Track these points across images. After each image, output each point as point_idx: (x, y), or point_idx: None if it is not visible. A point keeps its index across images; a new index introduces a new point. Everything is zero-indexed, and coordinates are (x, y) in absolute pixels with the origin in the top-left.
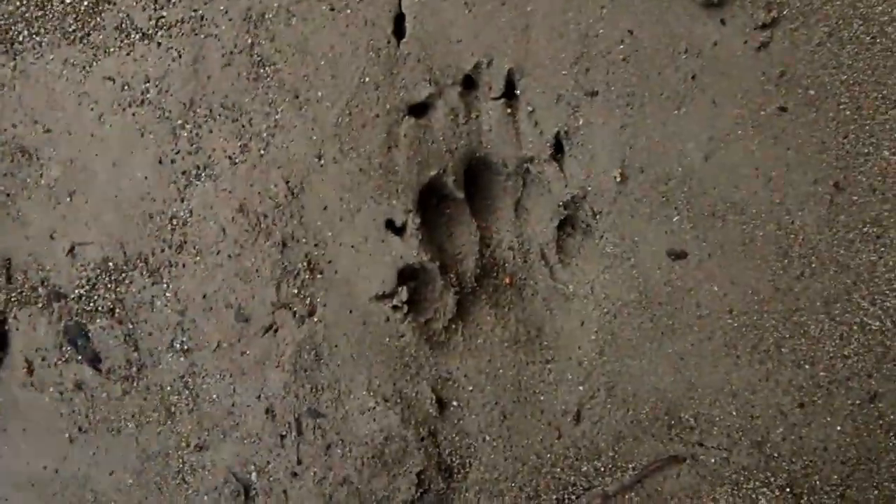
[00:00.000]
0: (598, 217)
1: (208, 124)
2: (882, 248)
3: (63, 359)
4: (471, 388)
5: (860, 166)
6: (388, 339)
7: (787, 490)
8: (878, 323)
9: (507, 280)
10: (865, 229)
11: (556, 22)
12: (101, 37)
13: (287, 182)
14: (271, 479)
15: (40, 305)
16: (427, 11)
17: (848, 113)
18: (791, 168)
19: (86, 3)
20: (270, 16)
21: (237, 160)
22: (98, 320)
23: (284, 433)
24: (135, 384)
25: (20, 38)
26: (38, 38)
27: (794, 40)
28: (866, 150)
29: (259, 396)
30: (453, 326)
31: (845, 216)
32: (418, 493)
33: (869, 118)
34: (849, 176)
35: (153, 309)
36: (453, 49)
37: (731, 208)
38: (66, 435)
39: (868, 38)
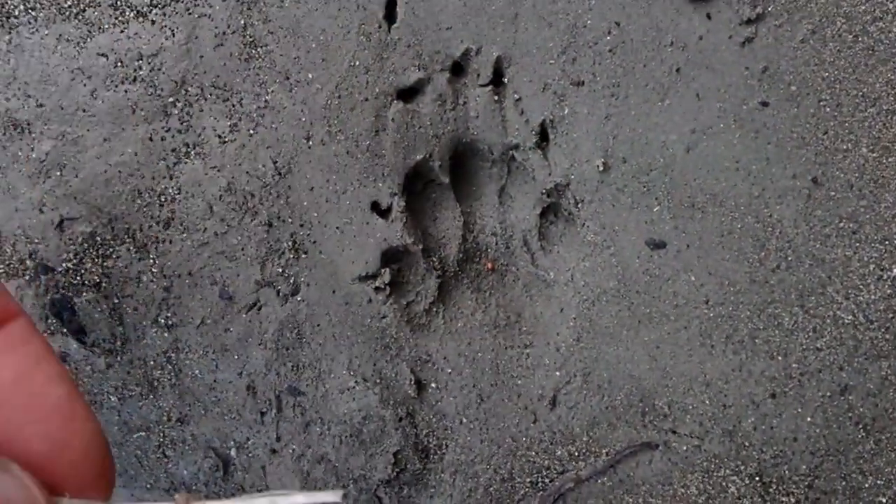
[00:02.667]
0: (580, 206)
1: (199, 103)
2: (857, 244)
3: (49, 331)
4: (449, 370)
5: (838, 162)
6: (369, 320)
7: (757, 479)
8: (850, 317)
9: (489, 265)
10: (841, 224)
11: (545, 11)
12: (95, 13)
13: (275, 162)
14: (250, 454)
15: (27, 278)
16: None
17: (828, 110)
18: (771, 162)
19: None
20: None
21: (227, 139)
22: (84, 294)
23: (265, 410)
24: (118, 358)
25: (16, 13)
26: (33, 14)
27: (778, 37)
28: (845, 147)
29: (241, 373)
30: (434, 309)
31: (822, 211)
32: (394, 473)
33: (848, 115)
34: (827, 171)
35: (139, 284)
36: (443, 35)
37: (710, 200)
38: None
39: (850, 36)
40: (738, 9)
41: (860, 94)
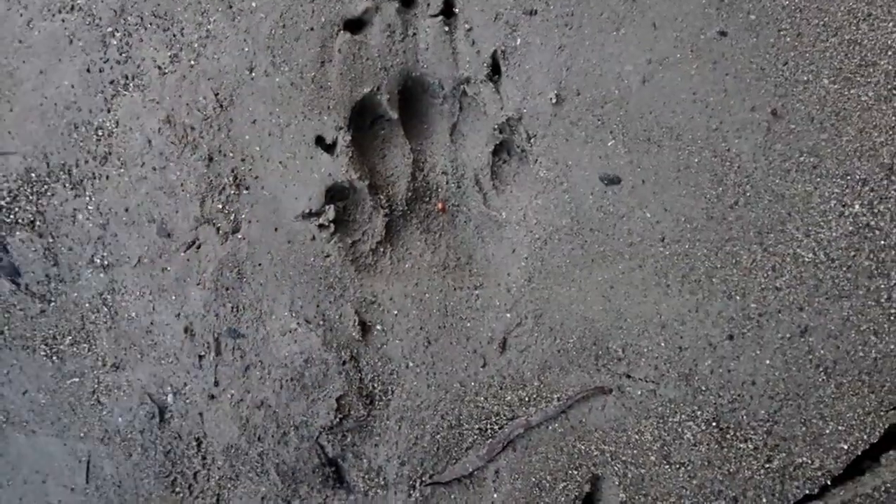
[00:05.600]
0: (532, 141)
1: (139, 33)
2: (818, 179)
3: None
4: (396, 312)
5: (799, 94)
6: (312, 259)
7: (714, 424)
8: (811, 255)
9: (440, 205)
10: (802, 159)
11: None
12: None
13: (216, 94)
14: (187, 400)
15: None
16: None
17: (788, 39)
18: (729, 94)
19: None
20: None
21: (167, 70)
22: (18, 233)
23: (203, 353)
24: (53, 301)
25: None
26: None
27: None
28: (805, 78)
29: (178, 315)
30: (381, 249)
31: (782, 145)
32: (338, 419)
33: (809, 45)
34: (787, 104)
35: (74, 222)
36: None
37: (666, 133)
38: None
39: None
40: None
41: (821, 23)
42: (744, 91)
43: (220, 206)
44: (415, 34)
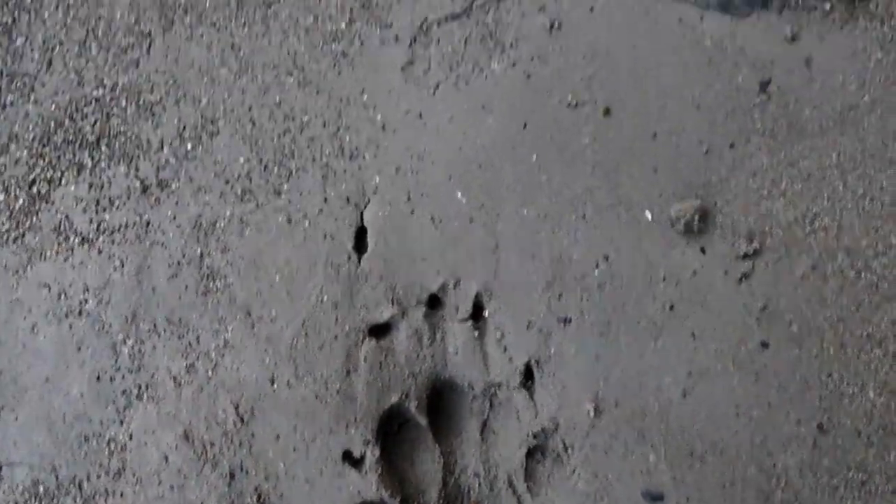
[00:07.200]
0: (570, 451)
1: (152, 340)
2: (867, 495)
3: None
4: None
5: (845, 407)
6: None
7: None
8: None
9: None
10: (850, 475)
11: (528, 243)
12: (36, 239)
13: (236, 407)
14: None
15: None
16: (391, 227)
17: (832, 351)
18: (773, 407)
19: (21, 201)
20: (222, 225)
21: (182, 381)
22: None
23: None
24: None
25: None
26: None
27: (776, 272)
28: (851, 391)
29: None
30: None
31: (829, 460)
32: None
33: (853, 357)
34: (833, 417)
35: None
36: (418, 268)
37: (710, 448)
38: None
39: (853, 272)
40: (733, 242)
41: (865, 333)
42: (788, 404)
43: None
44: (443, 338)
